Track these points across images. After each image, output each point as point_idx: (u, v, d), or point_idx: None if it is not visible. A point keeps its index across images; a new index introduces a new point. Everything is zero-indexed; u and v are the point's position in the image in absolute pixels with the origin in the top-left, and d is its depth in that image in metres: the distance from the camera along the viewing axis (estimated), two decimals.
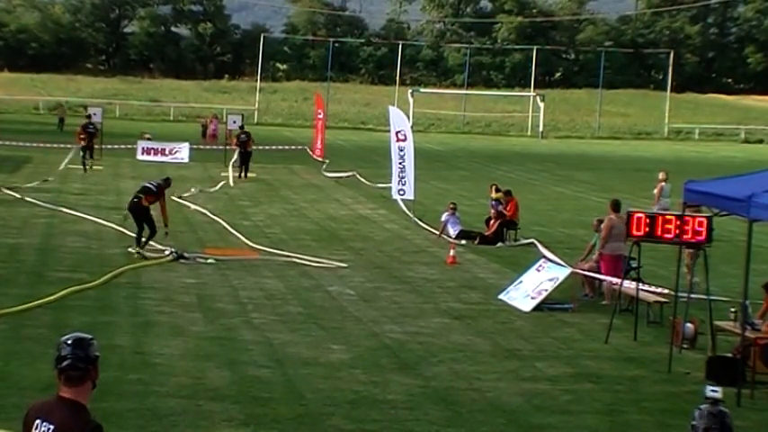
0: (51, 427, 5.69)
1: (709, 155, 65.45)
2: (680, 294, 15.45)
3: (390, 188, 31.06)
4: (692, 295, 17.30)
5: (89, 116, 41.91)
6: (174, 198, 29.85)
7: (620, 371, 14.70)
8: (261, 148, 47.08)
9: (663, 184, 28.34)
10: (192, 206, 30.46)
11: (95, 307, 17.06)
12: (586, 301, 19.37)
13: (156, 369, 13.52)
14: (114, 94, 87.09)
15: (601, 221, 20.46)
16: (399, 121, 30.75)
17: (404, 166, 29.76)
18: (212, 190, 34.40)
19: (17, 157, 42.78)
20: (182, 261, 21.40)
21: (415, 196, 29.90)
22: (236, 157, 40.66)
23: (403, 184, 29.86)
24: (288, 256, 22.59)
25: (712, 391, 7.77)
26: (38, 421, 5.73)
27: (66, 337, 5.87)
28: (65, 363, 5.74)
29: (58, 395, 5.78)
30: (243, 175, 39.62)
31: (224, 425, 11.51)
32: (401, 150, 29.80)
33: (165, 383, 12.88)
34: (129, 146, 46.88)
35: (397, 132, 30.07)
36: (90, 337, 5.96)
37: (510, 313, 18.12)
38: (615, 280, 18.24)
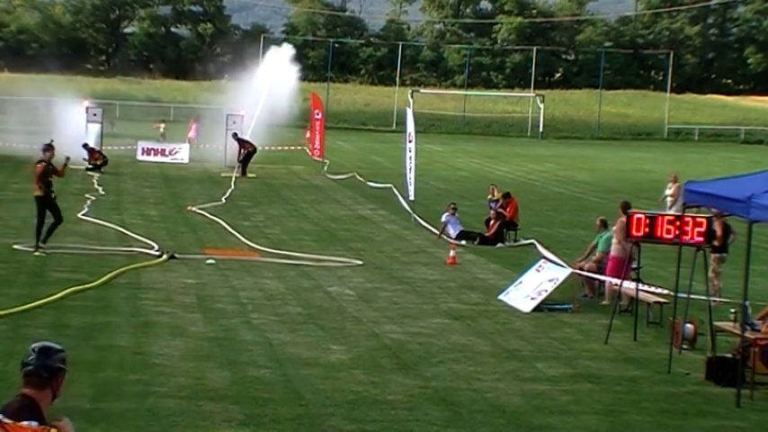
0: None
1: (709, 155, 65.46)
2: (680, 295, 15.46)
3: (389, 188, 31.10)
4: (717, 299, 17.47)
5: (85, 144, 41.41)
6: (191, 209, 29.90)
7: (620, 371, 14.70)
8: (260, 148, 47.08)
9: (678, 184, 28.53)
10: (192, 207, 30.48)
11: (95, 307, 17.06)
12: (586, 302, 19.38)
13: (156, 369, 13.52)
14: (114, 95, 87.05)
15: (604, 221, 20.48)
16: (411, 123, 30.74)
17: (410, 168, 29.77)
18: (224, 199, 33.18)
19: (17, 158, 42.73)
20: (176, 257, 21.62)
21: (415, 197, 29.91)
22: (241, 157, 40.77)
23: (410, 185, 29.85)
24: (289, 257, 22.63)
25: None
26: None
27: (36, 344, 5.89)
28: (27, 368, 5.77)
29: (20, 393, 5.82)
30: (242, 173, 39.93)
31: (224, 425, 11.51)
32: (410, 152, 29.81)
33: (164, 384, 12.88)
34: (129, 146, 46.96)
35: (409, 133, 30.13)
36: (59, 347, 5.94)
37: (510, 314, 18.13)
38: (615, 281, 18.24)
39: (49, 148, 22.11)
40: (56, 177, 21.82)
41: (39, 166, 21.54)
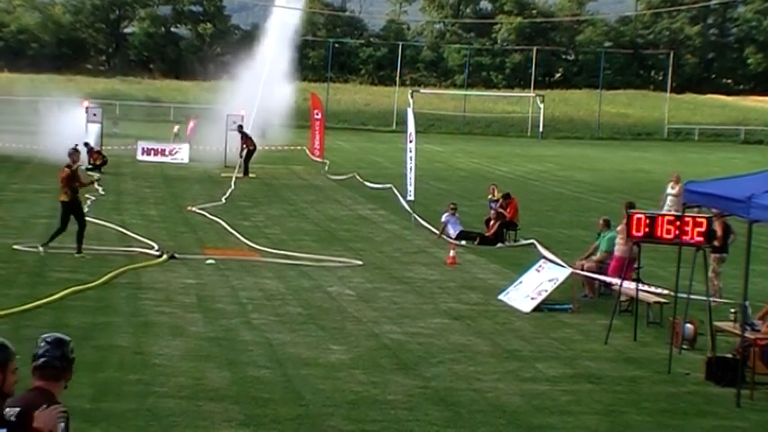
0: (17, 409, 5.71)
1: (709, 155, 65.46)
2: (680, 295, 15.46)
3: (389, 188, 31.07)
4: (717, 299, 17.49)
5: (86, 143, 41.26)
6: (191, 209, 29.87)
7: (620, 371, 14.70)
8: (260, 148, 47.09)
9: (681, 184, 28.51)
10: (192, 207, 30.47)
11: (95, 307, 17.07)
12: (586, 302, 19.37)
13: (156, 369, 13.53)
14: (114, 95, 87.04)
15: (607, 221, 20.48)
16: (412, 123, 30.72)
17: (410, 168, 29.75)
18: (224, 199, 33.11)
19: (17, 158, 42.75)
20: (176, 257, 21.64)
21: (414, 197, 29.91)
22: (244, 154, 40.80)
23: (411, 185, 29.85)
24: (288, 258, 22.63)
25: None
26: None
27: (46, 335, 5.93)
28: (41, 360, 5.80)
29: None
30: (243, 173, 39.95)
31: (224, 425, 11.51)
32: (410, 152, 29.79)
33: (164, 384, 12.89)
34: (129, 146, 46.96)
35: (409, 133, 30.11)
36: (68, 339, 6.00)
37: (510, 314, 18.13)
38: (615, 281, 18.25)
39: (74, 152, 22.24)
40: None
41: (64, 171, 21.62)
